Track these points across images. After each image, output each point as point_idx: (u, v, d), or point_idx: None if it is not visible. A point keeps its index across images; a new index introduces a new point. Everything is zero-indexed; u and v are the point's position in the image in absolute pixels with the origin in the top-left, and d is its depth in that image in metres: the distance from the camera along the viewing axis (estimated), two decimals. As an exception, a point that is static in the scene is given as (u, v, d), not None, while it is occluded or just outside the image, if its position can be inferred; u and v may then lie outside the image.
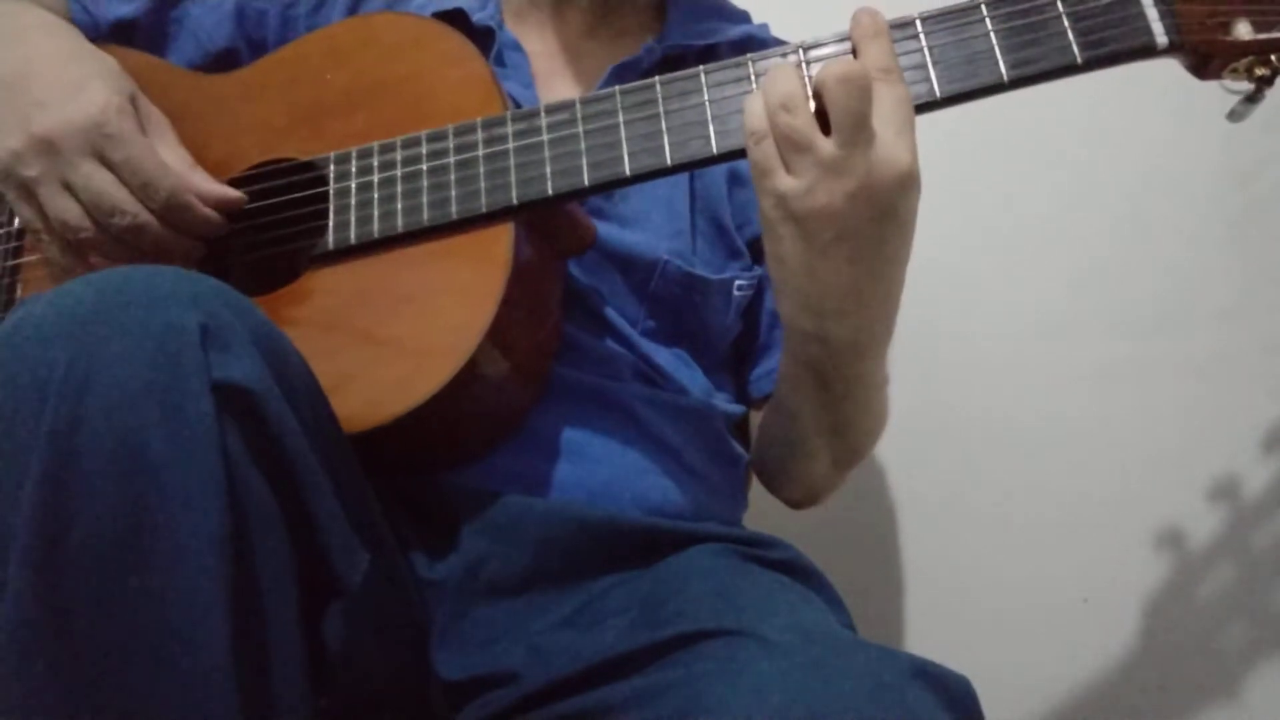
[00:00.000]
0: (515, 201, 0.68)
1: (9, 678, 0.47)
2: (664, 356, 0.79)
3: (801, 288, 0.63)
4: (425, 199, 0.70)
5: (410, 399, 0.65)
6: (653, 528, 0.72)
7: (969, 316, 1.14)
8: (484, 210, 0.69)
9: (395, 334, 0.68)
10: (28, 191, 0.70)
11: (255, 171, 0.75)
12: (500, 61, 0.82)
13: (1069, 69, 0.63)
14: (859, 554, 1.15)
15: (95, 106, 0.69)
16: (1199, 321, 1.09)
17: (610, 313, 0.78)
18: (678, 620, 0.60)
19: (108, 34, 0.83)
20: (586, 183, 0.68)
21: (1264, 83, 0.62)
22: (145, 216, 0.70)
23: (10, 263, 0.78)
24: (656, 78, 0.68)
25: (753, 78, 0.66)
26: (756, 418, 0.88)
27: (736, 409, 0.84)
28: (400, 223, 0.70)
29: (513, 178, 0.69)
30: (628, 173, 0.67)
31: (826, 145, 0.59)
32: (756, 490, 0.90)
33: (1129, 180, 1.12)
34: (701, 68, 0.67)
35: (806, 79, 0.62)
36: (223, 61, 0.85)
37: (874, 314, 0.66)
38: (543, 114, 0.70)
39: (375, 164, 0.72)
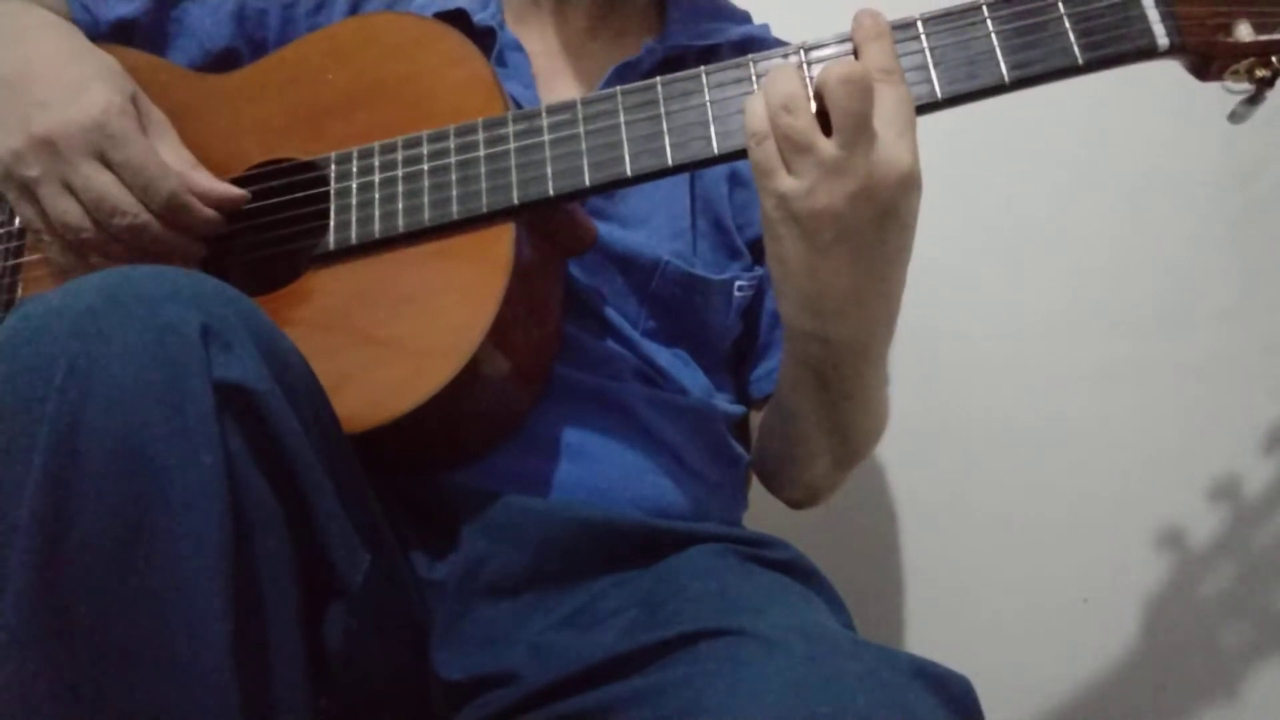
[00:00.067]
0: (516, 202, 0.68)
1: (9, 677, 0.47)
2: (664, 357, 0.79)
3: (802, 288, 0.63)
4: (426, 199, 0.70)
5: (411, 399, 0.65)
6: (653, 528, 0.72)
7: (969, 316, 1.14)
8: (485, 210, 0.69)
9: (396, 334, 0.68)
10: (28, 191, 0.70)
11: (256, 171, 0.75)
12: (501, 62, 0.82)
13: (1070, 70, 0.63)
14: (859, 554, 1.15)
15: (96, 107, 0.69)
16: (1199, 321, 1.09)
17: (611, 313, 0.78)
18: (678, 620, 0.60)
19: (108, 33, 0.83)
20: (588, 183, 0.68)
21: (1264, 84, 0.62)
22: (145, 217, 0.70)
23: (11, 262, 0.78)
24: (658, 78, 0.68)
25: (754, 78, 0.66)
26: (757, 418, 0.88)
27: (737, 409, 0.84)
28: (401, 223, 0.70)
29: (514, 178, 0.69)
30: (629, 173, 0.67)
31: (828, 146, 0.59)
32: (756, 490, 0.90)
33: (1129, 180, 1.12)
34: (703, 68, 0.67)
35: (808, 80, 0.62)
36: (223, 61, 0.84)
37: (875, 314, 0.66)
38: (544, 114, 0.70)
39: (376, 164, 0.72)
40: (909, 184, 0.60)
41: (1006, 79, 0.63)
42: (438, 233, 0.70)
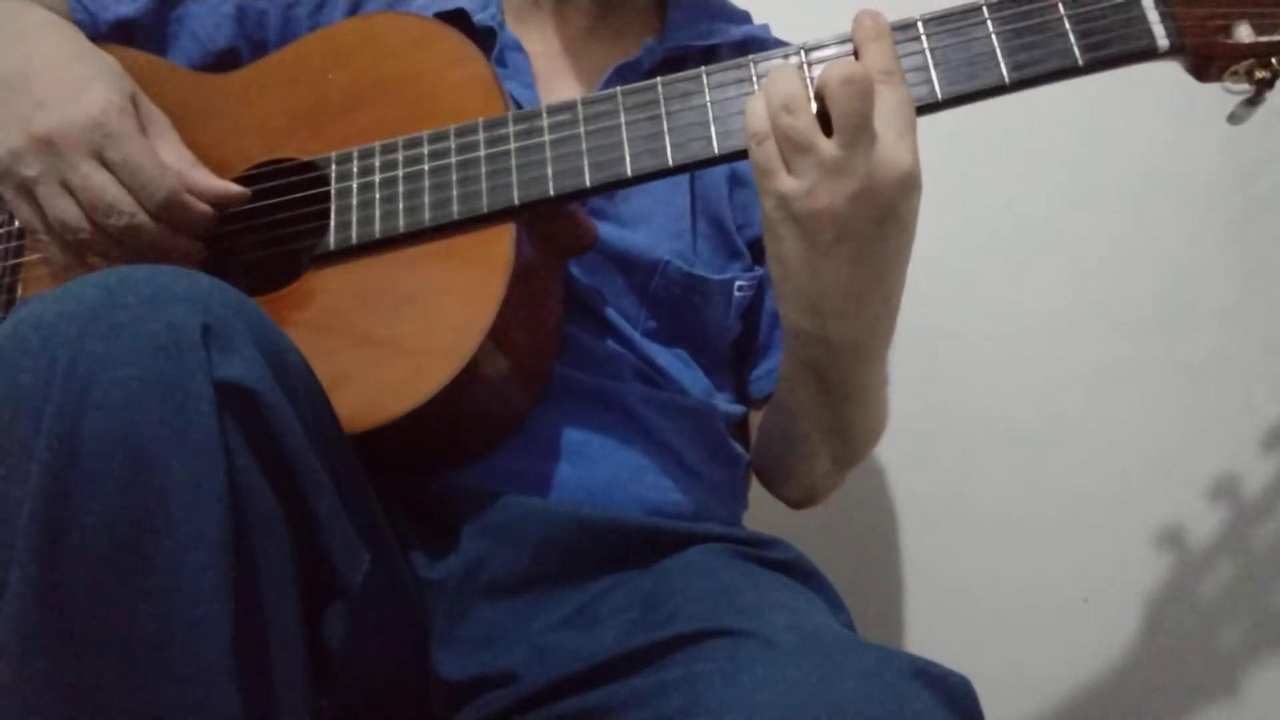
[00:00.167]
0: (517, 202, 0.68)
1: (10, 678, 0.47)
2: (664, 357, 0.79)
3: (802, 288, 0.63)
4: (427, 199, 0.70)
5: (411, 399, 0.65)
6: (653, 528, 0.72)
7: (969, 316, 1.14)
8: (485, 210, 0.69)
9: (396, 334, 0.68)
10: (27, 191, 0.70)
11: (256, 171, 0.75)
12: (501, 62, 0.82)
13: (1070, 71, 0.63)
14: (859, 554, 1.15)
15: (96, 107, 0.69)
16: (1199, 321, 1.09)
17: (611, 313, 0.78)
18: (678, 620, 0.60)
19: (108, 33, 0.83)
20: (588, 183, 0.68)
21: (1264, 85, 0.62)
22: (143, 217, 0.70)
23: (10, 262, 0.78)
24: (658, 78, 0.68)
25: (754, 79, 0.66)
26: (756, 418, 0.88)
27: (737, 409, 0.84)
28: (401, 223, 0.70)
29: (514, 178, 0.69)
30: (629, 173, 0.67)
31: (828, 146, 0.59)
32: (756, 490, 0.90)
33: (1129, 180, 1.12)
34: (703, 69, 0.67)
35: (808, 80, 0.62)
36: (224, 61, 0.85)
37: (875, 315, 0.66)
38: (544, 114, 0.70)
39: (376, 164, 0.72)
40: (909, 185, 0.60)
41: (1007, 80, 0.63)
42: (438, 233, 0.70)
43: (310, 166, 0.74)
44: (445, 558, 0.70)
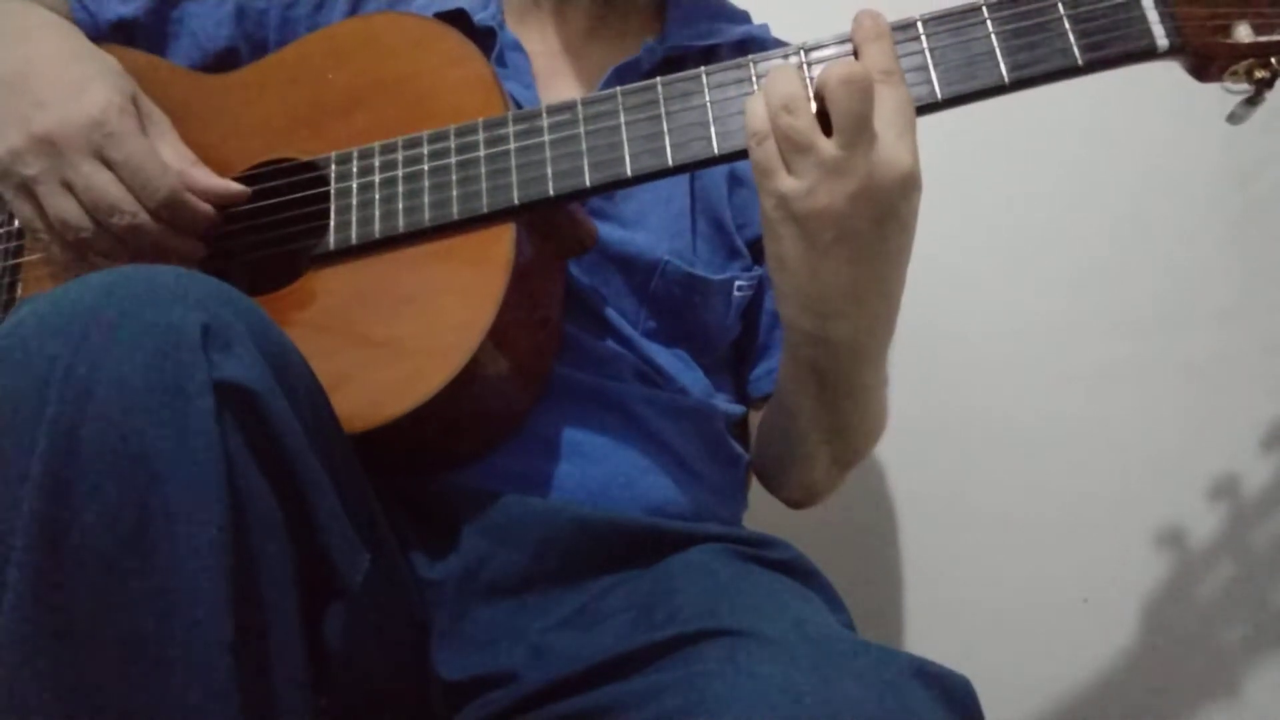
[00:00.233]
0: (516, 202, 0.68)
1: (9, 678, 0.47)
2: (664, 357, 0.79)
3: (802, 288, 0.63)
4: (426, 199, 0.70)
5: (411, 399, 0.65)
6: (653, 528, 0.72)
7: (969, 316, 1.14)
8: (485, 210, 0.69)
9: (396, 334, 0.68)
10: (27, 191, 0.70)
11: (256, 171, 0.75)
12: (501, 62, 0.82)
13: (1070, 71, 0.63)
14: (859, 554, 1.15)
15: (96, 106, 0.69)
16: (1199, 321, 1.09)
17: (611, 313, 0.78)
18: (678, 620, 0.60)
19: (108, 33, 0.83)
20: (588, 183, 0.68)
21: (1264, 85, 0.62)
22: (144, 216, 0.70)
23: (10, 262, 0.79)
24: (658, 79, 0.68)
25: (754, 79, 0.66)
26: (756, 418, 0.88)
27: (736, 409, 0.84)
28: (401, 223, 0.70)
29: (514, 178, 0.69)
30: (629, 173, 0.67)
31: (828, 146, 0.59)
32: (756, 490, 0.90)
33: (1129, 180, 1.12)
34: (703, 69, 0.67)
35: (808, 80, 0.62)
36: (223, 61, 0.85)
37: (874, 315, 0.66)
38: (544, 114, 0.70)
39: (376, 164, 0.72)
40: (909, 185, 0.60)
41: (1006, 80, 0.63)
42: (438, 233, 0.70)
43: (310, 166, 0.74)
44: (445, 558, 0.70)
